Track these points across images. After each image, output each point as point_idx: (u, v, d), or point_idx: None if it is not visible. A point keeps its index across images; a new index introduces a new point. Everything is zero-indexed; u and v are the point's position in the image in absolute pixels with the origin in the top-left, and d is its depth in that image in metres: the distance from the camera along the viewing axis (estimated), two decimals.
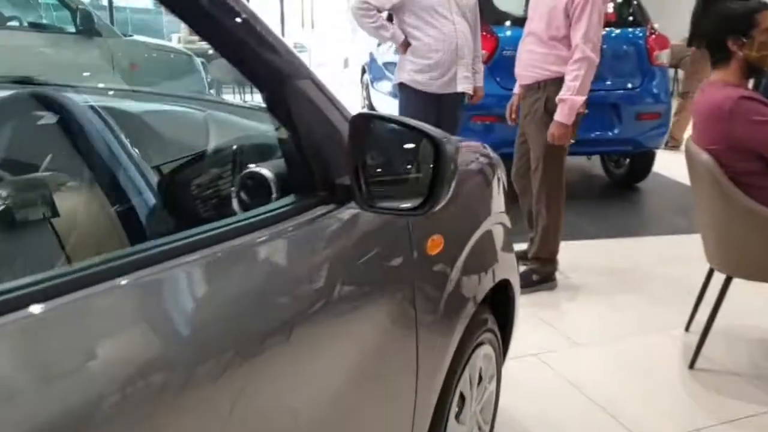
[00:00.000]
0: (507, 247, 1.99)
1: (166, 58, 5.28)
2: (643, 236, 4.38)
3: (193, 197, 1.23)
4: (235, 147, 1.30)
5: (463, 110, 3.87)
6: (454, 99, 3.67)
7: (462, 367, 1.67)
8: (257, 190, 1.20)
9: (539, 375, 2.66)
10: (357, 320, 1.21)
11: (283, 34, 11.45)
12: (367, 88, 7.47)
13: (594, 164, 5.86)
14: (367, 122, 1.09)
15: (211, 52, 9.39)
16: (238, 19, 1.00)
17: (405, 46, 3.62)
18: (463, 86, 3.65)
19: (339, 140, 1.14)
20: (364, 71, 7.65)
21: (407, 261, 1.33)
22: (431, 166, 1.05)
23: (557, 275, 3.51)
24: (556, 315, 3.22)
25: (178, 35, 9.57)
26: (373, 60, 6.96)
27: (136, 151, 1.29)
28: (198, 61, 5.54)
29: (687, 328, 3.02)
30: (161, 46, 5.39)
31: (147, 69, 4.64)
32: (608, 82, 4.76)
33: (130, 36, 5.53)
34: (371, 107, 7.26)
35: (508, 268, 1.95)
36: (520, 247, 3.66)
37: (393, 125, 1.10)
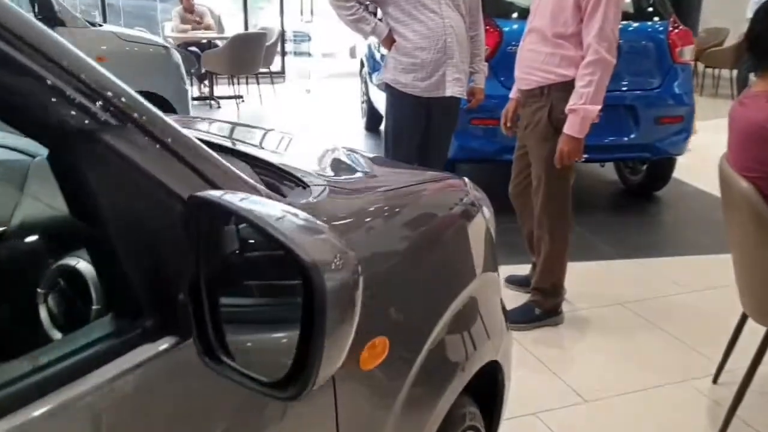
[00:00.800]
0: (496, 315, 1.53)
1: (139, 50, 4.78)
2: (663, 257, 3.87)
3: None
4: (55, 221, 0.84)
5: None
6: (447, 103, 3.19)
7: None
8: (72, 298, 0.75)
9: None
10: None
11: (282, 24, 10.93)
12: (365, 82, 6.99)
13: (607, 170, 5.33)
14: (213, 212, 0.63)
15: (204, 41, 9.01)
16: None
17: (389, 41, 3.16)
18: (453, 90, 3.16)
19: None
20: (362, 64, 7.18)
21: (320, 395, 0.88)
22: (300, 314, 0.58)
23: (563, 306, 3.05)
24: (561, 359, 2.77)
25: (170, 24, 9.09)
26: (370, 53, 6.48)
27: None
28: (176, 54, 5.03)
29: (715, 380, 2.57)
30: (134, 36, 4.87)
31: (116, 62, 4.15)
32: (624, 82, 4.25)
33: (99, 25, 5.07)
34: (369, 102, 6.78)
35: (497, 345, 1.49)
36: (523, 270, 3.24)
37: (244, 222, 0.63)
